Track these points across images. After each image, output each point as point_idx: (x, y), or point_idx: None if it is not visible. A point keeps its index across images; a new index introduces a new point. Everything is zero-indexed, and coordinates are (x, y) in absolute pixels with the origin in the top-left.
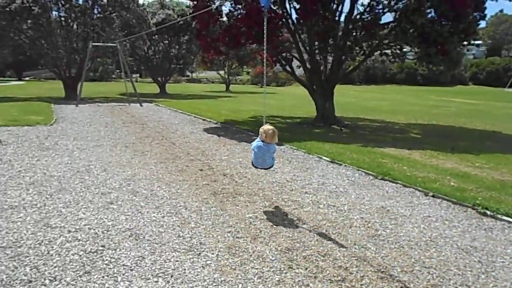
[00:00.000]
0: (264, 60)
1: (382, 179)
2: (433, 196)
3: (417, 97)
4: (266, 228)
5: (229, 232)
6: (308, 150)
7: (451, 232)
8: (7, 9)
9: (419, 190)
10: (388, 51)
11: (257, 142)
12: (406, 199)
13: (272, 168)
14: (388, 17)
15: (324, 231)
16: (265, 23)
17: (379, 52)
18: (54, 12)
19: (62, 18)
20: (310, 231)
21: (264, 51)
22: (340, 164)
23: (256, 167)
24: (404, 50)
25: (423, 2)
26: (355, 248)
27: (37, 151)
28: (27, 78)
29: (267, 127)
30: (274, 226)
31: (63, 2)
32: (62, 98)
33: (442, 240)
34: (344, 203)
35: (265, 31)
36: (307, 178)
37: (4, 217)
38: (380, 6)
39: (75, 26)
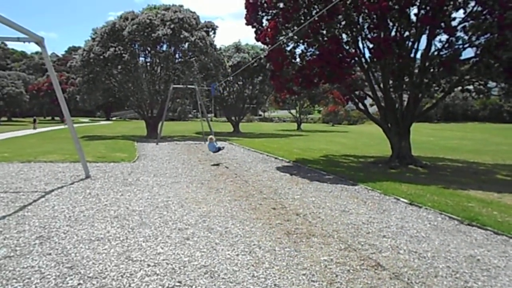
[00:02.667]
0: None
1: (469, 224)
2: None
3: (504, 136)
4: (343, 272)
5: (303, 274)
6: (384, 190)
7: None
8: (101, 57)
9: None
10: (471, 87)
11: (207, 142)
12: (499, 248)
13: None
14: (468, 53)
15: (406, 279)
16: (212, 101)
17: (460, 88)
18: (141, 58)
19: (148, 63)
20: (390, 278)
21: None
22: (420, 207)
23: (210, 151)
24: (489, 85)
25: (508, 37)
26: None
27: (121, 186)
28: (114, 118)
29: (210, 136)
30: (351, 271)
31: (149, 48)
32: (144, 136)
33: None
34: (426, 249)
35: (212, 108)
36: (385, 221)
37: (91, 248)
38: (460, 42)
39: (158, 70)
